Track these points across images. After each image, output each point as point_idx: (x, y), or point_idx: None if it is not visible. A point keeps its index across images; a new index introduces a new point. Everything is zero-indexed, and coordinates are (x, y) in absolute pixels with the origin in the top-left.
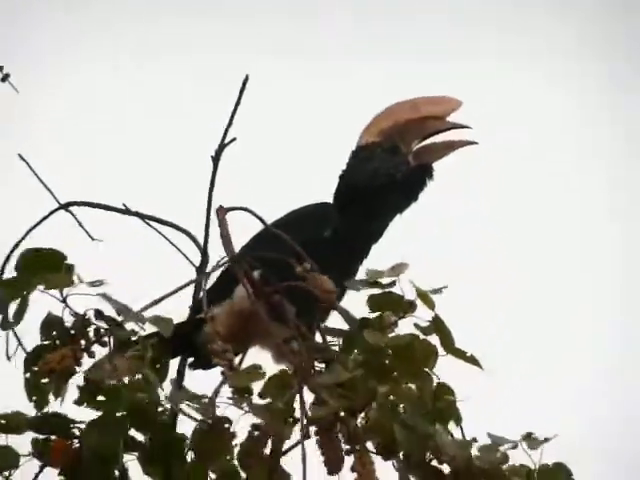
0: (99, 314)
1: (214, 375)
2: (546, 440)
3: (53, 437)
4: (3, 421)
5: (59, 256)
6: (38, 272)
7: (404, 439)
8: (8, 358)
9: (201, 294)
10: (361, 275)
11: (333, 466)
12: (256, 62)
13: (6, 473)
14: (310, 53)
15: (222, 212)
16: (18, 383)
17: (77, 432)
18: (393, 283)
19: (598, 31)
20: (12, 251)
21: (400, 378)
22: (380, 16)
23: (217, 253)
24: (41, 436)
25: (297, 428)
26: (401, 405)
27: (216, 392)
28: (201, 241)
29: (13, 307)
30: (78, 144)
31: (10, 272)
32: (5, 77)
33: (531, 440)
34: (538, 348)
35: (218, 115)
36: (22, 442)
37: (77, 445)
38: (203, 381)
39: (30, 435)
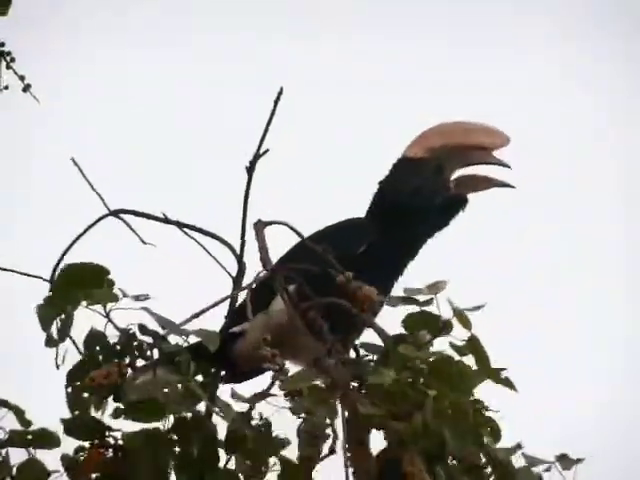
0: (144, 329)
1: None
2: (579, 460)
3: (86, 445)
4: (30, 437)
5: (101, 270)
6: (80, 287)
7: (454, 443)
8: (57, 367)
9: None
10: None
11: (363, 476)
12: (292, 71)
13: None
14: (347, 62)
15: (260, 226)
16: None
17: (112, 441)
18: (430, 301)
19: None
20: (62, 257)
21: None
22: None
23: (253, 264)
24: (71, 450)
25: None
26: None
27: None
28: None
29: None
30: (113, 153)
31: None
32: (26, 88)
33: (565, 460)
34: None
35: (255, 125)
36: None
37: (111, 454)
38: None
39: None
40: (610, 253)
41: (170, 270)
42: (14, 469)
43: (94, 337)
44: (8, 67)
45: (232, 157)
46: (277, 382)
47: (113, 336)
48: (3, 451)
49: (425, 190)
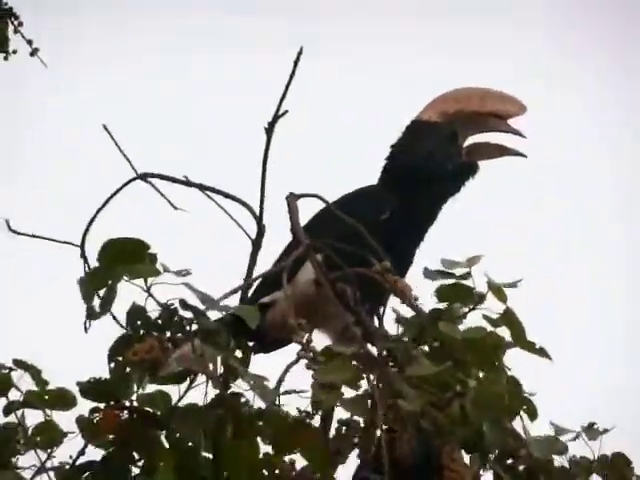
0: (184, 304)
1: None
2: (605, 431)
3: (101, 406)
4: (47, 397)
5: (142, 245)
6: (122, 262)
7: (492, 433)
8: (86, 330)
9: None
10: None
11: (407, 457)
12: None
13: (49, 450)
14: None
15: (293, 198)
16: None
17: (127, 402)
18: (468, 275)
19: None
20: (92, 220)
21: (473, 370)
22: None
23: (272, 226)
24: (86, 413)
25: None
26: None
27: (280, 380)
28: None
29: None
30: (132, 119)
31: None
32: (34, 52)
33: (592, 431)
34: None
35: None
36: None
37: (127, 416)
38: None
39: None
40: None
41: (192, 234)
42: (29, 430)
43: (136, 312)
44: (16, 31)
45: (252, 118)
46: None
47: (153, 311)
48: (19, 412)
49: (438, 155)
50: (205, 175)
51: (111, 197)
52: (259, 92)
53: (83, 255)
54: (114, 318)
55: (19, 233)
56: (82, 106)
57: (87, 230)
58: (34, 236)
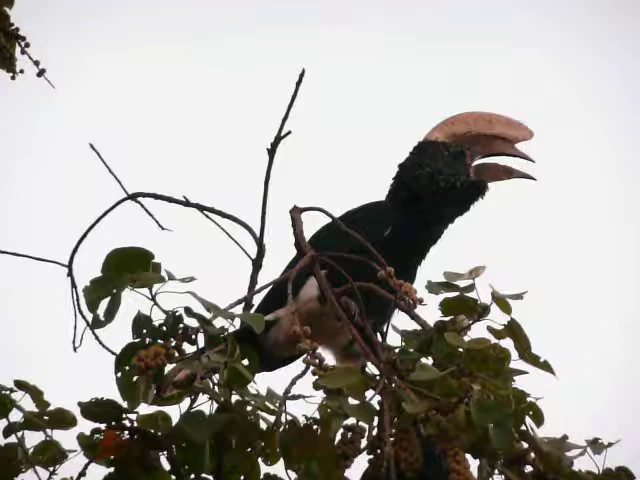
0: (189, 312)
1: None
2: (610, 445)
3: (102, 427)
4: (46, 417)
5: (146, 254)
6: (126, 270)
7: (498, 437)
8: (75, 349)
9: (289, 292)
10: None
11: (411, 468)
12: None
13: (51, 468)
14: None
15: (296, 212)
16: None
17: (128, 423)
18: (472, 287)
19: None
20: (81, 240)
21: (479, 377)
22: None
23: (272, 246)
24: (87, 432)
25: None
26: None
27: (287, 391)
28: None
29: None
30: (132, 138)
31: (80, 261)
32: (41, 72)
33: (597, 445)
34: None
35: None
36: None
37: (127, 436)
38: None
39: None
40: None
41: (191, 254)
42: (30, 450)
43: (141, 321)
44: (23, 52)
45: (254, 140)
46: (315, 377)
47: (157, 320)
48: (19, 433)
49: (445, 173)
50: (214, 196)
51: (101, 217)
52: (262, 110)
53: (70, 274)
54: (98, 341)
55: (5, 252)
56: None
57: (76, 249)
58: (21, 255)
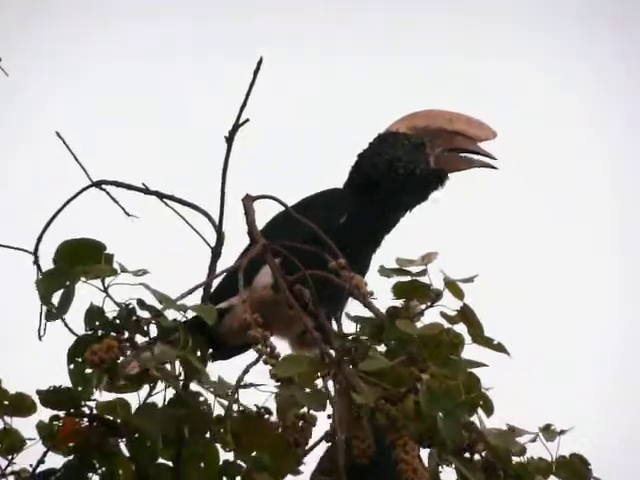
0: (142, 304)
1: None
2: (563, 432)
3: (61, 415)
4: (6, 402)
5: (99, 246)
6: (78, 262)
7: (447, 427)
8: (40, 338)
9: (240, 280)
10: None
11: (364, 455)
12: (271, 42)
13: (9, 457)
14: (329, 39)
15: (249, 200)
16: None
17: (87, 410)
18: (423, 272)
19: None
20: (46, 227)
21: (429, 367)
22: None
23: (231, 234)
24: (46, 419)
25: None
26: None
27: (239, 380)
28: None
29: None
30: (93, 125)
31: (44, 251)
32: None
33: (549, 432)
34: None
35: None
36: (27, 424)
37: (86, 424)
38: None
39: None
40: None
41: (150, 241)
42: None
43: (93, 313)
44: None
45: (212, 127)
46: (267, 365)
47: (110, 311)
48: None
49: (404, 160)
50: (169, 184)
51: (66, 204)
52: (221, 99)
53: (37, 262)
54: (64, 323)
55: None
56: (37, 111)
57: (41, 237)
58: None
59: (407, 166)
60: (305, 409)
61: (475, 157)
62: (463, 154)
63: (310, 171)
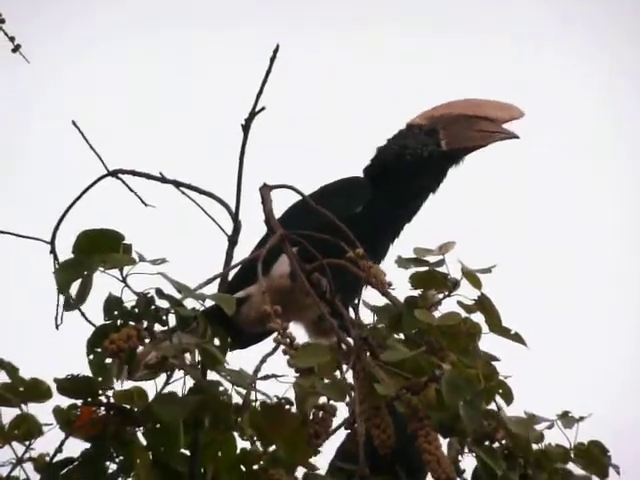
0: (161, 293)
1: None
2: (581, 419)
3: (79, 403)
4: (21, 389)
5: (117, 236)
6: (97, 252)
7: (468, 416)
8: (57, 327)
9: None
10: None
11: (384, 446)
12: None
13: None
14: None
15: (266, 189)
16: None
17: (104, 399)
18: (441, 262)
19: None
20: (62, 217)
21: (449, 356)
22: None
23: (248, 222)
24: (64, 405)
25: None
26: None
27: (257, 370)
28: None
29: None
30: (110, 115)
31: (61, 238)
32: (16, 48)
33: (567, 419)
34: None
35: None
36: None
37: (104, 412)
38: None
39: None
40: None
41: (167, 231)
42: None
43: (112, 302)
44: None
45: (229, 115)
46: (286, 356)
47: (129, 301)
48: None
49: (411, 147)
50: (186, 172)
51: (82, 193)
52: (239, 87)
53: (53, 251)
54: (82, 314)
55: None
56: (52, 101)
57: (58, 226)
58: (4, 232)
59: (415, 152)
60: (325, 399)
61: (492, 132)
62: (479, 129)
63: (328, 160)
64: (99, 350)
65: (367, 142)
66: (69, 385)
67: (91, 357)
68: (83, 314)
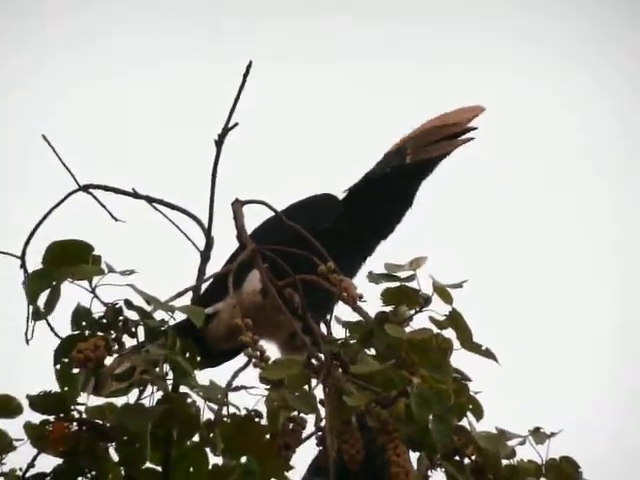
0: (130, 304)
1: None
2: (552, 434)
3: (51, 419)
4: None
5: (87, 247)
6: (66, 263)
7: (437, 430)
8: (27, 342)
9: (229, 285)
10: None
11: (353, 461)
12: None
13: None
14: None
15: (238, 205)
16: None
17: (77, 414)
18: (412, 277)
19: None
20: (33, 232)
21: (419, 370)
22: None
23: (220, 238)
24: (35, 420)
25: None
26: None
27: (229, 384)
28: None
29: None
30: (82, 130)
31: (31, 254)
32: None
33: (538, 435)
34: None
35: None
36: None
37: (76, 428)
38: None
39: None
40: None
41: (140, 246)
42: None
43: (80, 313)
44: None
45: (201, 131)
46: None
47: (98, 312)
48: None
49: (377, 167)
50: (159, 188)
51: (53, 208)
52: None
53: (23, 266)
54: (49, 324)
55: None
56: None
57: (28, 241)
58: None
59: (377, 171)
60: (295, 412)
61: (451, 140)
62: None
63: (301, 175)
64: (66, 360)
65: (341, 158)
66: (41, 401)
67: (58, 367)
68: (50, 325)
